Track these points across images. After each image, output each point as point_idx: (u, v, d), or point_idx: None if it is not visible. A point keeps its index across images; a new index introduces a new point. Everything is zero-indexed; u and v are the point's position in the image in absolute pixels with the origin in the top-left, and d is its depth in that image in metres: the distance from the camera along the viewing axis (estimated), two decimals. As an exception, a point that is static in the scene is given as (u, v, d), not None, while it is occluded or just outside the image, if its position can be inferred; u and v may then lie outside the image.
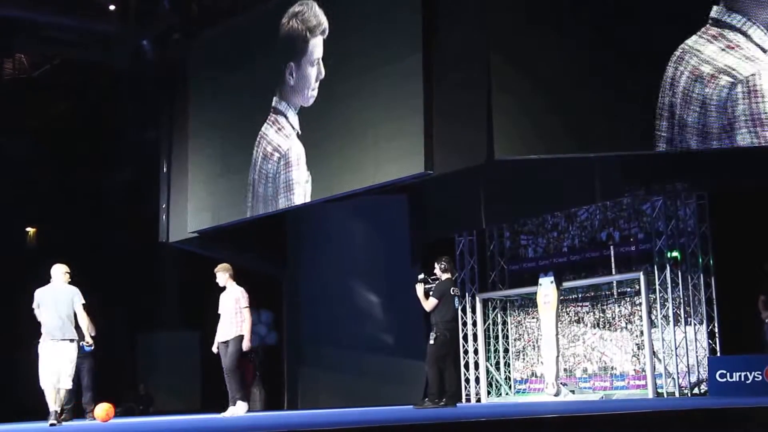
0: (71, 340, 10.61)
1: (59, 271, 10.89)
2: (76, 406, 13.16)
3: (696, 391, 13.27)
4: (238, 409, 11.58)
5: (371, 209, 16.42)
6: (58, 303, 10.62)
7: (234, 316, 11.79)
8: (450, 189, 14.48)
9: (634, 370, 14.17)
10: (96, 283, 14.83)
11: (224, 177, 15.55)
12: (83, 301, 10.77)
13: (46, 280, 14.24)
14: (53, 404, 10.42)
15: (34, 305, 10.69)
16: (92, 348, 11.27)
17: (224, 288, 12.02)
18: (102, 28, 15.33)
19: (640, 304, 13.80)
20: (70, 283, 10.81)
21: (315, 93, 14.00)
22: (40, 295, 10.69)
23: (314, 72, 14.04)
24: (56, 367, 10.45)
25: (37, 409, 13.36)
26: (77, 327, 10.70)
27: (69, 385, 10.62)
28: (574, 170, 12.89)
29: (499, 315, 16.05)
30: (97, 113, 16.79)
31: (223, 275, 11.99)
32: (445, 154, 12.18)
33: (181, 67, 16.55)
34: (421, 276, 11.49)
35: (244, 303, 11.82)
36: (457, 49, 12.16)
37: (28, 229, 17.01)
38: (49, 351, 10.55)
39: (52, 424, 10.11)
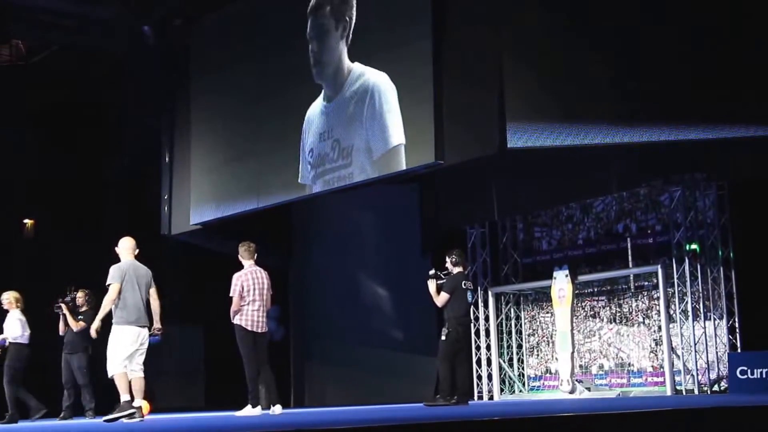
0: (145, 326, 9.38)
1: (130, 247, 9.55)
2: (75, 404, 12.92)
3: (716, 388, 13.07)
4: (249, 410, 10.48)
5: (380, 200, 16.25)
6: (140, 283, 9.38)
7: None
8: (461, 179, 14.32)
9: (652, 366, 14.00)
10: (95, 276, 14.54)
11: (228, 167, 15.33)
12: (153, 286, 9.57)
13: (42, 272, 13.94)
14: (126, 394, 9.14)
15: (119, 281, 9.29)
16: (159, 340, 9.64)
17: None
18: (101, 12, 15.13)
19: (658, 298, 13.61)
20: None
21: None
22: (122, 272, 9.35)
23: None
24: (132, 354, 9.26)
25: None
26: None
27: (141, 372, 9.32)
28: (589, 160, 12.68)
29: (512, 310, 15.85)
30: (97, 101, 16.54)
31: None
32: (456, 143, 12.04)
33: (182, 53, 16.38)
34: (432, 271, 11.39)
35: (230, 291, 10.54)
36: (468, 35, 12.01)
37: (26, 220, 16.73)
38: (128, 337, 9.25)
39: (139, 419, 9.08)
